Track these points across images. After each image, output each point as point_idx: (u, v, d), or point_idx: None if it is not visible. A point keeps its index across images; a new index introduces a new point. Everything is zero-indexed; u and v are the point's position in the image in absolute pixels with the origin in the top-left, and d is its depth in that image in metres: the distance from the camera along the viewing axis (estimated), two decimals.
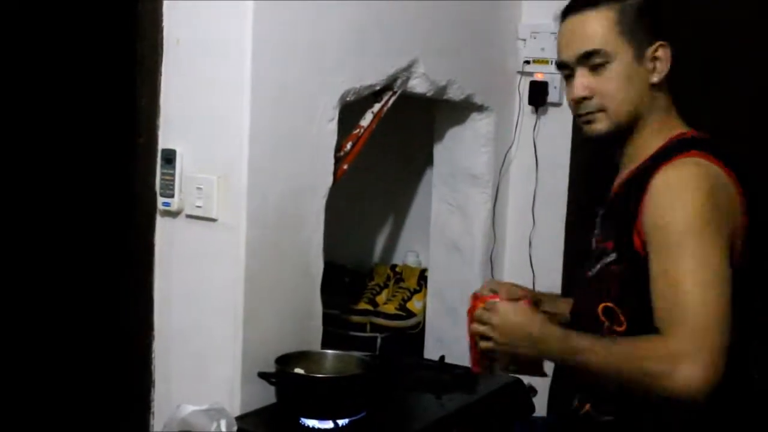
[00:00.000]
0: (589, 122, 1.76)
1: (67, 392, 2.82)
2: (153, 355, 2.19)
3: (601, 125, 1.74)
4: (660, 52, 1.70)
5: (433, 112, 2.98)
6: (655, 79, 1.71)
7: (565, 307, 1.95)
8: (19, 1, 2.73)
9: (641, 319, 1.61)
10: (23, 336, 2.76)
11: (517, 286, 2.00)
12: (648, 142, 1.72)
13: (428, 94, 2.64)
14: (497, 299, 1.80)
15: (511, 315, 1.72)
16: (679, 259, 1.53)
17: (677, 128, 1.72)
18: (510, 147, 3.02)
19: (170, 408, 1.96)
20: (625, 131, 1.74)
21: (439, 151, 3.00)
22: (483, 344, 1.77)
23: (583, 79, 1.73)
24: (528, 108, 3.00)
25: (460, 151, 2.96)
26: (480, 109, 2.90)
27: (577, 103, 1.76)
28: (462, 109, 2.90)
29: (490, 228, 2.98)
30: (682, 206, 1.55)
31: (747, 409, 1.65)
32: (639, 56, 1.69)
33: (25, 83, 2.75)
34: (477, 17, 2.82)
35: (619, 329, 1.67)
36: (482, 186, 2.96)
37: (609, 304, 1.68)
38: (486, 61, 2.89)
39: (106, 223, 2.78)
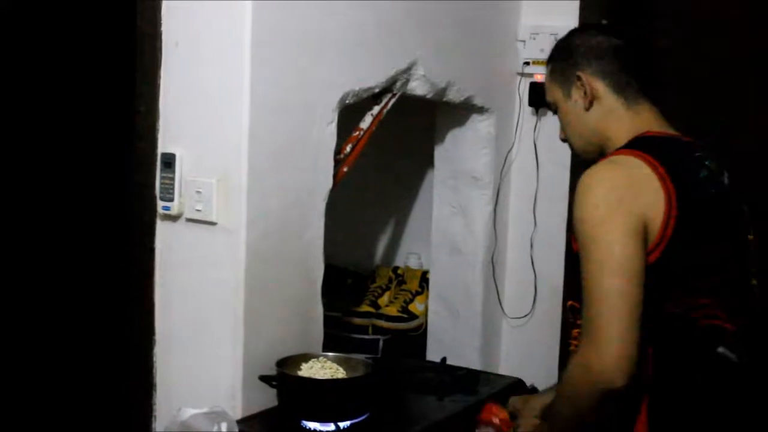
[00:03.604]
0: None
1: (69, 397, 2.82)
2: (154, 359, 2.19)
3: (582, 158, 1.94)
4: (581, 81, 1.85)
5: (433, 114, 2.98)
6: (585, 105, 1.85)
7: None
8: (16, 7, 2.73)
9: None
10: (25, 343, 2.76)
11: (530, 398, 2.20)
12: (617, 148, 1.80)
13: (428, 96, 2.64)
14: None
15: None
16: (586, 256, 1.63)
17: (640, 129, 1.80)
18: (511, 148, 3.01)
19: (171, 412, 1.96)
20: (599, 151, 1.86)
21: (440, 152, 3.00)
22: None
23: (560, 126, 1.97)
24: (528, 109, 3.00)
25: (461, 152, 2.96)
26: (480, 110, 2.90)
27: None
28: (462, 111, 2.90)
29: (492, 229, 2.97)
30: (582, 204, 1.66)
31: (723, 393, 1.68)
32: (567, 93, 1.89)
33: (23, 90, 2.75)
34: (476, 19, 2.82)
35: (580, 323, 1.72)
36: (483, 187, 2.96)
37: (573, 302, 1.78)
38: (485, 63, 2.89)
39: (107, 227, 2.79)
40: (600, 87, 1.84)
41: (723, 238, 1.72)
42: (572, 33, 1.96)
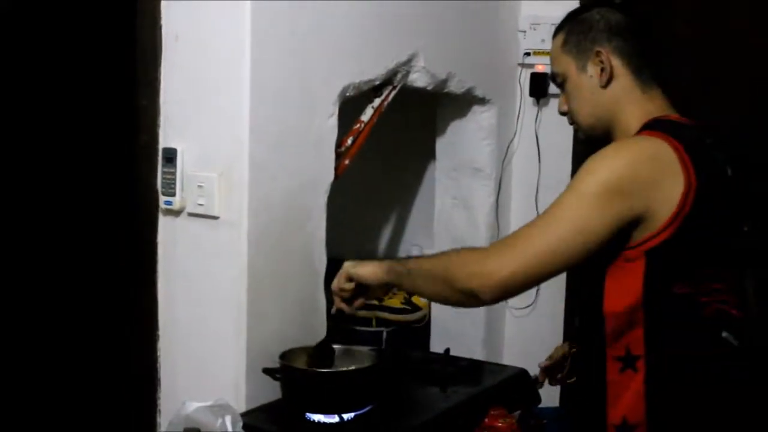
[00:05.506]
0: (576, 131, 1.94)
1: (75, 392, 2.83)
2: (158, 353, 2.19)
3: (580, 134, 1.92)
4: (600, 57, 1.81)
5: (434, 106, 2.98)
6: (601, 81, 1.82)
7: None
8: (16, 2, 2.73)
9: None
10: (28, 339, 2.77)
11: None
12: (627, 131, 1.80)
13: (429, 88, 2.64)
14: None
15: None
16: (572, 200, 1.65)
17: (653, 114, 1.79)
18: (512, 139, 3.02)
19: (176, 405, 1.96)
20: (606, 130, 1.85)
21: (442, 144, 3.00)
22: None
23: (560, 98, 1.92)
24: (529, 100, 3.00)
25: (463, 144, 2.96)
26: (481, 101, 2.90)
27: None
28: (463, 102, 2.90)
29: (494, 220, 2.98)
30: (605, 160, 1.66)
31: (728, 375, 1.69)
32: (581, 66, 1.84)
33: (24, 85, 2.75)
34: (476, 10, 2.82)
35: None
36: (485, 178, 2.96)
37: None
38: (486, 54, 2.89)
39: (109, 223, 2.79)
40: (618, 66, 1.81)
41: (737, 224, 1.71)
42: (589, 6, 1.90)
